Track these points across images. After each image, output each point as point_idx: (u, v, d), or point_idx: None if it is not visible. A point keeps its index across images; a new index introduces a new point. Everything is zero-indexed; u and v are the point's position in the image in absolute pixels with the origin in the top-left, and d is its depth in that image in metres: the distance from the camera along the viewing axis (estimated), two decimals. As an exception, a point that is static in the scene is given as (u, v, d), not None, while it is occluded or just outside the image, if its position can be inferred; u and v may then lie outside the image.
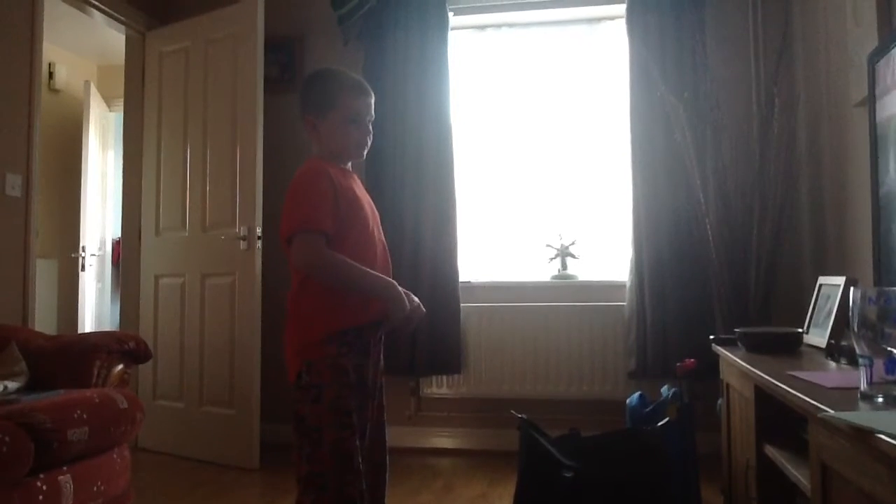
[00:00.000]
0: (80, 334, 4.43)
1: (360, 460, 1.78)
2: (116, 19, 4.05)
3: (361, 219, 1.91)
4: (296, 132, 4.23)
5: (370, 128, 1.97)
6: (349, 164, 2.01)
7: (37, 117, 3.45)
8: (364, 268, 1.84)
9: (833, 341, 2.25)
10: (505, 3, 4.10)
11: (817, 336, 2.43)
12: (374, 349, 1.92)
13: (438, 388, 3.98)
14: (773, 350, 2.33)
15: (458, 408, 4.00)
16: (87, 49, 5.63)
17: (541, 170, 4.13)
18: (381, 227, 2.03)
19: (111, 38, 4.53)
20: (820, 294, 2.59)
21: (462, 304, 3.90)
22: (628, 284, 3.78)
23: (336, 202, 1.83)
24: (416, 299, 1.92)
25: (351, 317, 1.84)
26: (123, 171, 4.32)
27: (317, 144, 1.97)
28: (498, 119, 4.20)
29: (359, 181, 2.04)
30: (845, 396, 1.41)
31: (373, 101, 1.98)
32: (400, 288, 1.86)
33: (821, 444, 1.40)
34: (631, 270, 3.76)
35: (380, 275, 1.88)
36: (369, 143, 1.97)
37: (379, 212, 4.20)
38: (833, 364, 2.04)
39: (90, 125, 5.39)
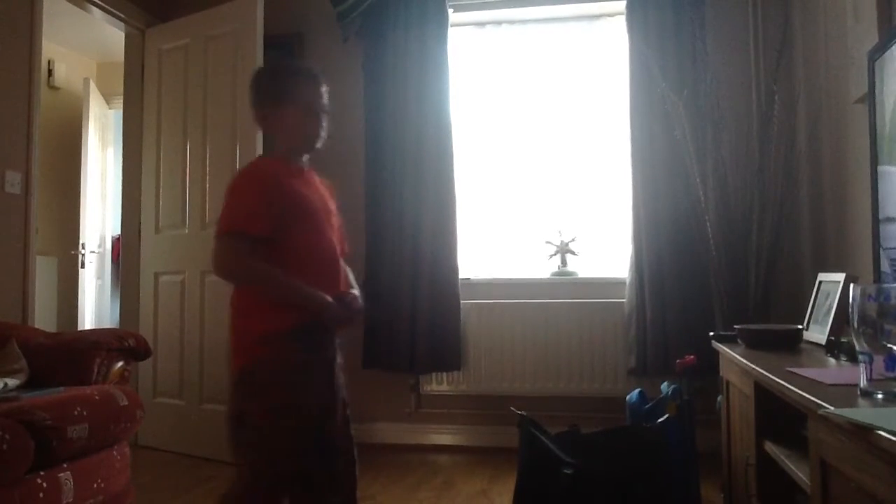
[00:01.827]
0: (80, 331, 4.44)
1: (310, 455, 1.77)
2: (116, 16, 4.05)
3: (308, 222, 1.84)
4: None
5: (324, 119, 1.91)
6: (305, 159, 1.97)
7: (36, 115, 3.44)
8: (282, 278, 1.78)
9: (833, 338, 2.25)
10: (504, -1, 4.10)
11: (817, 333, 2.43)
12: (328, 346, 1.88)
13: (438, 384, 3.99)
14: (773, 347, 2.33)
15: (458, 404, 4.00)
16: (87, 46, 5.62)
17: (541, 167, 4.13)
18: (341, 229, 1.98)
19: (111, 35, 4.53)
20: (820, 291, 2.59)
21: (462, 301, 3.90)
22: (628, 281, 3.78)
23: (272, 205, 1.77)
24: (353, 293, 1.90)
25: (294, 315, 1.79)
26: (123, 169, 4.31)
27: (276, 138, 1.93)
28: (498, 116, 4.20)
29: (316, 180, 1.99)
30: (845, 393, 1.41)
31: (327, 90, 1.93)
32: (327, 297, 1.80)
33: (821, 441, 1.40)
34: (631, 267, 3.76)
35: (300, 286, 1.79)
36: (324, 135, 1.91)
37: (379, 209, 4.23)
38: (833, 361, 2.04)
39: (90, 122, 5.38)
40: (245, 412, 1.75)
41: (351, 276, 2.01)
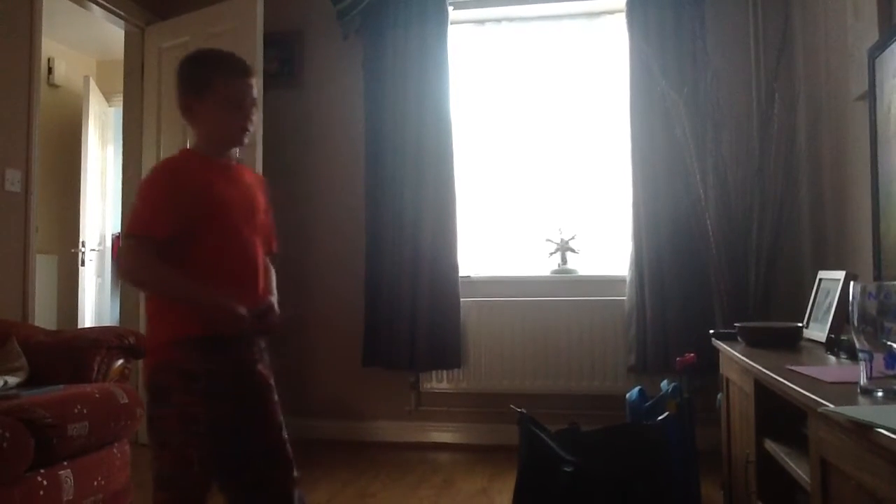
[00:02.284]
0: (81, 329, 4.43)
1: (205, 464, 1.68)
2: (116, 14, 4.04)
3: (219, 222, 1.76)
4: (296, 128, 4.25)
5: (252, 112, 1.80)
6: (234, 153, 1.88)
7: (36, 113, 3.44)
8: (182, 283, 1.72)
9: (833, 336, 2.25)
10: (504, -3, 4.10)
11: (817, 331, 2.43)
12: (241, 351, 1.79)
13: (438, 382, 3.99)
14: (773, 345, 2.33)
15: (458, 402, 4.00)
16: (87, 44, 5.62)
17: (541, 164, 4.12)
18: (268, 227, 1.90)
19: (110, 33, 4.52)
20: (820, 289, 2.59)
21: (462, 299, 3.90)
22: (628, 279, 3.78)
23: (178, 205, 1.70)
24: (270, 301, 1.82)
25: (193, 324, 1.71)
26: (123, 167, 4.31)
27: (194, 130, 1.85)
28: (498, 113, 4.20)
29: (244, 176, 1.90)
30: (845, 391, 1.41)
31: (256, 82, 1.84)
32: (231, 304, 1.70)
33: (820, 439, 1.40)
34: (631, 265, 3.76)
35: (202, 289, 1.71)
36: (251, 129, 1.81)
37: (379, 207, 4.23)
38: (833, 359, 2.04)
39: (89, 120, 5.38)
40: (150, 416, 1.72)
41: (272, 280, 1.92)
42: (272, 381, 1.86)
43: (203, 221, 1.73)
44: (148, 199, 1.74)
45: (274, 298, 1.87)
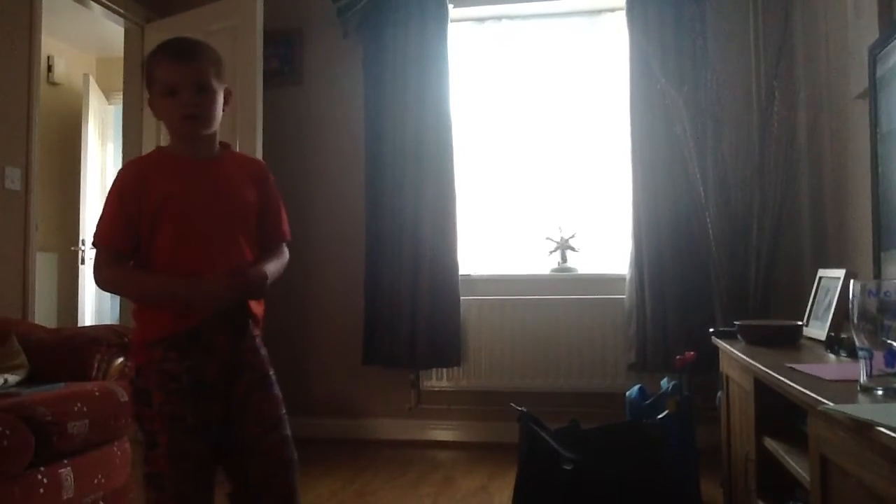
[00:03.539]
0: (81, 327, 4.44)
1: (204, 462, 1.67)
2: (115, 12, 4.04)
3: (174, 217, 1.69)
4: (296, 126, 4.25)
5: (195, 96, 1.68)
6: (215, 145, 1.80)
7: (36, 110, 3.44)
8: (147, 275, 1.70)
9: (833, 334, 2.25)
10: (504, -6, 4.10)
11: (817, 329, 2.43)
12: (228, 343, 1.71)
13: (438, 380, 3.99)
14: (773, 343, 2.33)
15: (458, 400, 4.00)
16: (86, 42, 5.61)
17: (541, 163, 4.12)
18: (231, 217, 1.77)
19: (110, 30, 4.52)
20: (820, 287, 2.59)
21: (462, 297, 3.90)
22: (628, 277, 3.78)
23: (130, 217, 1.68)
24: (248, 274, 1.71)
25: (169, 323, 1.68)
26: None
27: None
28: (498, 111, 4.19)
29: (225, 167, 1.80)
30: (845, 389, 1.41)
31: (200, 65, 1.70)
32: (199, 278, 1.65)
33: (820, 437, 1.40)
34: (631, 263, 3.76)
35: (166, 277, 1.68)
36: (199, 113, 1.69)
37: (379, 205, 4.22)
38: (833, 357, 2.04)
39: (89, 118, 5.38)
40: (136, 417, 1.72)
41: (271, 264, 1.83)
42: (270, 374, 1.79)
43: (156, 222, 1.69)
44: (105, 210, 1.73)
45: (268, 267, 1.78)
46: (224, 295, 1.67)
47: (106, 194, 1.76)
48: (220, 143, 1.84)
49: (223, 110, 1.77)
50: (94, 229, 1.75)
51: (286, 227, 1.92)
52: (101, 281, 1.75)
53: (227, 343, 1.72)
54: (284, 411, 1.78)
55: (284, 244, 1.91)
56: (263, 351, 1.81)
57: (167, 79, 1.68)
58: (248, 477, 1.72)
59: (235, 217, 1.78)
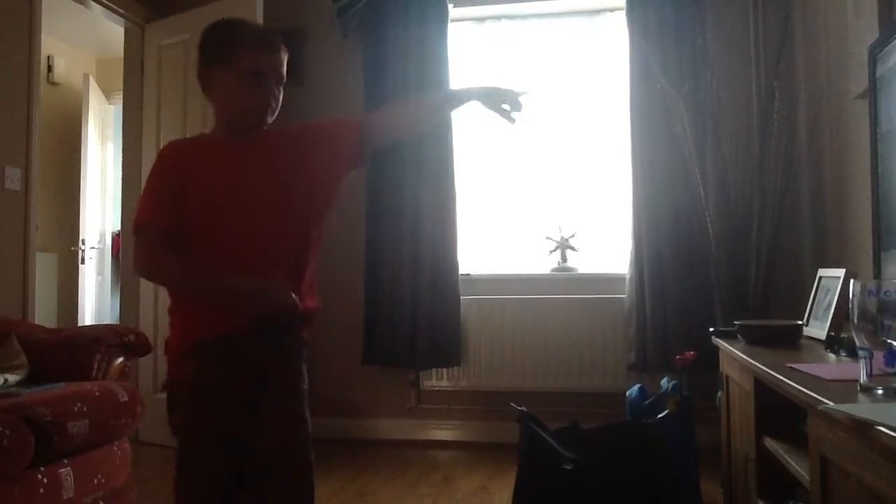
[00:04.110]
0: (81, 327, 4.44)
1: (224, 474, 1.58)
2: (115, 12, 4.04)
3: (215, 206, 1.59)
4: (295, 125, 4.24)
5: (278, 90, 1.63)
6: (255, 130, 1.68)
7: (36, 110, 3.44)
8: (206, 267, 1.59)
9: (833, 333, 2.25)
10: (504, -6, 4.10)
11: (817, 328, 2.43)
12: (264, 351, 1.62)
13: (438, 380, 3.99)
14: (773, 342, 2.33)
15: (458, 400, 4.00)
16: (86, 42, 5.61)
17: (541, 162, 4.12)
18: (279, 207, 1.64)
19: (110, 30, 4.52)
20: (820, 286, 2.59)
21: (462, 297, 3.90)
22: (628, 277, 3.78)
23: (173, 194, 1.57)
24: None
25: (206, 327, 1.58)
26: (123, 164, 4.31)
27: (213, 108, 1.70)
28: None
29: (275, 144, 1.70)
30: (845, 389, 1.41)
31: (284, 57, 1.65)
32: (264, 282, 1.58)
33: (820, 437, 1.40)
34: (631, 263, 3.76)
35: (226, 273, 1.58)
36: (276, 107, 1.64)
37: (379, 204, 4.22)
38: (833, 356, 2.04)
39: (89, 118, 5.38)
40: (169, 422, 1.64)
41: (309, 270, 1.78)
42: (297, 388, 1.69)
43: (199, 209, 1.58)
44: (146, 188, 1.62)
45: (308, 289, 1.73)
46: (281, 306, 1.59)
47: (146, 177, 1.66)
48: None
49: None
50: (135, 210, 1.62)
51: (355, 117, 1.87)
52: (150, 268, 1.62)
53: (263, 351, 1.62)
54: (308, 436, 1.72)
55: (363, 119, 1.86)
56: (302, 367, 1.73)
57: (255, 62, 1.60)
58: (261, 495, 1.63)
59: (291, 193, 1.65)
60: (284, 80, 1.66)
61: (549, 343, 3.85)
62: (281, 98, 1.65)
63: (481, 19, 4.24)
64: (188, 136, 3.91)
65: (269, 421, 1.63)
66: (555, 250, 4.01)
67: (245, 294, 1.57)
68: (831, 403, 1.27)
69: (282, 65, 1.65)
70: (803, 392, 1.46)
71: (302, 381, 1.72)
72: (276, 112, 1.66)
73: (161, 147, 1.78)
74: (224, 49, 1.61)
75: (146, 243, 1.59)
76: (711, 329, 2.82)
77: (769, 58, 3.61)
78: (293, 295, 1.61)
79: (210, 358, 1.57)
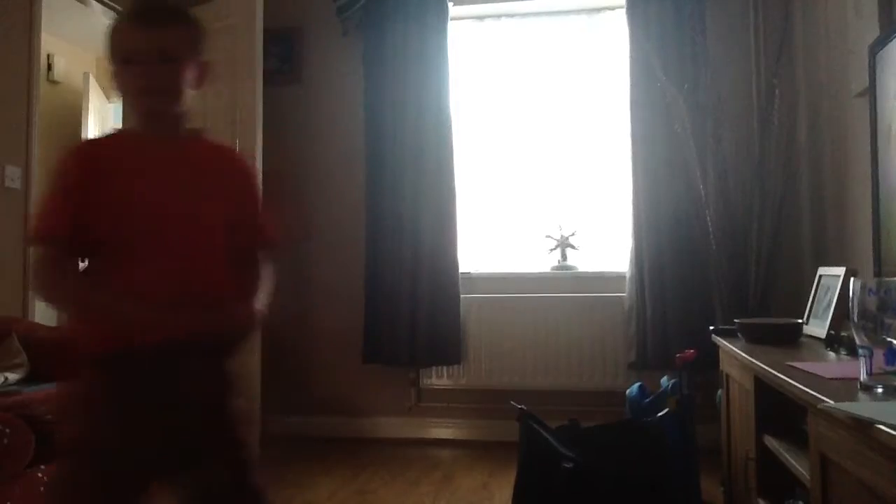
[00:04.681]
0: (81, 326, 4.42)
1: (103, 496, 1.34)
2: (116, 10, 4.04)
3: (130, 209, 1.39)
4: (296, 124, 4.24)
5: (165, 69, 1.40)
6: (184, 126, 1.50)
7: (36, 109, 3.44)
8: (84, 289, 1.38)
9: (833, 332, 2.25)
10: (504, -8, 4.10)
11: (817, 327, 2.43)
12: (175, 375, 1.36)
13: (438, 378, 3.99)
14: (773, 341, 2.33)
15: (458, 399, 4.00)
16: (86, 40, 5.59)
17: (541, 161, 4.12)
18: (233, 213, 1.48)
19: (110, 29, 4.51)
20: (820, 285, 2.59)
21: (462, 295, 3.90)
22: (628, 275, 3.78)
23: (70, 199, 1.36)
24: (226, 302, 1.40)
25: (109, 339, 1.36)
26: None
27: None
28: (498, 109, 4.19)
29: (200, 153, 1.53)
30: (845, 387, 1.41)
31: (164, 31, 1.42)
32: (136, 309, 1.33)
33: (820, 435, 1.40)
34: (631, 261, 3.76)
35: (97, 297, 1.36)
36: (160, 87, 1.41)
37: (378, 203, 4.22)
38: (833, 355, 2.05)
39: (89, 117, 5.37)
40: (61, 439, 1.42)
41: (259, 279, 1.53)
42: (230, 408, 1.46)
43: (109, 213, 1.37)
44: (45, 200, 1.40)
45: (258, 299, 1.48)
46: (200, 331, 1.37)
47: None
48: (191, 128, 1.55)
49: (199, 87, 1.49)
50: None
51: (266, 229, 1.58)
52: (37, 285, 1.42)
53: (191, 370, 1.40)
54: (248, 456, 1.49)
55: (270, 252, 1.59)
56: (229, 380, 1.49)
57: (124, 44, 1.42)
58: None
59: (212, 216, 1.46)
60: (176, 55, 1.42)
61: (549, 342, 3.85)
62: (180, 77, 1.43)
63: (481, 18, 4.23)
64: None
65: (227, 446, 1.44)
66: (555, 249, 4.01)
67: (150, 327, 1.35)
68: (831, 402, 1.27)
69: (166, 38, 1.42)
70: (803, 390, 1.46)
71: (233, 393, 1.49)
72: (174, 91, 1.43)
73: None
74: (109, 40, 1.45)
75: (39, 256, 1.38)
76: (711, 327, 2.82)
77: (769, 56, 3.61)
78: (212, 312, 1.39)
79: (111, 372, 1.35)
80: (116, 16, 1.51)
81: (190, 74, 1.45)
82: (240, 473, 1.45)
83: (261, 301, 1.49)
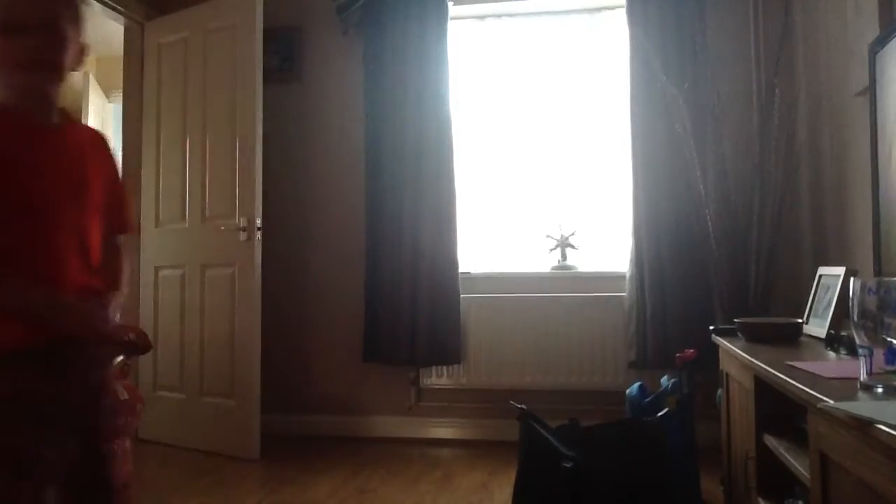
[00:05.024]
0: (81, 325, 4.42)
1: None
2: (115, 10, 4.03)
3: (14, 196, 1.34)
4: (296, 123, 4.24)
5: (51, 45, 1.36)
6: (48, 109, 1.49)
7: (35, 108, 3.43)
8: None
9: (833, 331, 2.25)
10: (505, -8, 4.10)
11: (817, 326, 2.43)
12: (81, 371, 1.38)
13: (438, 378, 3.99)
14: (773, 340, 2.34)
15: (458, 398, 4.00)
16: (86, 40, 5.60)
17: (541, 160, 4.12)
18: (103, 201, 1.47)
19: (110, 28, 4.51)
20: (820, 284, 2.60)
21: (462, 295, 3.90)
22: (628, 275, 3.78)
23: None
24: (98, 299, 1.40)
25: (23, 335, 1.32)
26: (122, 163, 4.30)
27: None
28: (498, 109, 4.19)
29: (71, 138, 1.52)
30: (845, 387, 1.41)
31: (59, 3, 1.38)
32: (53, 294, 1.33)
33: (820, 435, 1.40)
34: (631, 261, 3.76)
35: (16, 284, 1.32)
36: (46, 59, 1.37)
37: (378, 203, 4.23)
38: (833, 354, 2.05)
39: (89, 116, 5.37)
40: None
41: (118, 272, 1.53)
42: (107, 442, 1.43)
43: None
44: None
45: (116, 296, 1.46)
46: (79, 324, 1.36)
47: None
48: (60, 109, 1.55)
49: (76, 68, 1.46)
50: None
51: (130, 215, 1.59)
52: None
53: (86, 367, 1.40)
54: (120, 478, 1.45)
55: (123, 239, 1.59)
56: (112, 388, 1.50)
57: (11, 11, 1.33)
58: None
59: (88, 198, 1.45)
60: (62, 29, 1.38)
61: (549, 341, 3.85)
62: (63, 50, 1.40)
63: (482, 17, 4.23)
64: (187, 134, 3.95)
65: (85, 440, 1.40)
66: (555, 248, 4.01)
67: (41, 310, 1.33)
68: (831, 401, 1.27)
69: (52, 11, 1.37)
70: (803, 390, 1.46)
71: (117, 410, 1.51)
72: (60, 67, 1.42)
73: None
74: None
75: None
76: (711, 327, 2.82)
77: (769, 55, 3.61)
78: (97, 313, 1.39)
79: (18, 369, 1.31)
80: None
81: (73, 53, 1.41)
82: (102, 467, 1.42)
83: (122, 294, 1.48)
